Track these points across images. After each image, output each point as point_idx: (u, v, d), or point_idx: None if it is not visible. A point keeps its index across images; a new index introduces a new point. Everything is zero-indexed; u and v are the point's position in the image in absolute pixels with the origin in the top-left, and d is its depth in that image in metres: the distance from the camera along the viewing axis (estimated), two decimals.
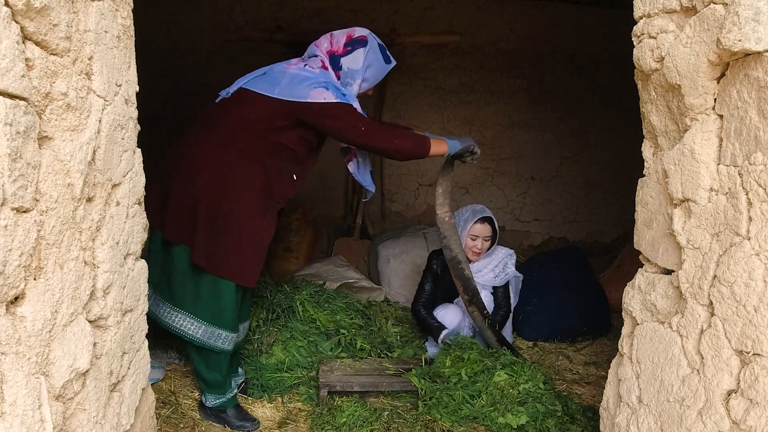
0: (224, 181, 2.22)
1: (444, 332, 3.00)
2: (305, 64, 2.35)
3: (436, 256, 3.26)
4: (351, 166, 2.59)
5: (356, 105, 2.33)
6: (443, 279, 3.17)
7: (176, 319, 2.35)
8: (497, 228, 3.16)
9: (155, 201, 2.27)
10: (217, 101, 2.40)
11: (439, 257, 3.20)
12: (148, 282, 2.38)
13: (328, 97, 2.23)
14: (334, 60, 2.37)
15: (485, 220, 3.09)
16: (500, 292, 3.19)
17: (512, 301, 3.27)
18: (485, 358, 2.69)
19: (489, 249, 3.17)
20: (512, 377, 2.58)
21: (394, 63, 2.48)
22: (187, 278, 2.29)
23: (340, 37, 2.40)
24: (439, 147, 2.50)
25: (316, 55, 2.39)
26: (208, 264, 2.22)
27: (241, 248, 2.24)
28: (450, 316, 3.09)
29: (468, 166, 5.31)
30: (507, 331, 3.27)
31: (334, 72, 2.36)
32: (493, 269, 3.18)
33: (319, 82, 2.25)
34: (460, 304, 3.11)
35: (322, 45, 2.41)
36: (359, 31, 2.42)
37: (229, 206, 2.21)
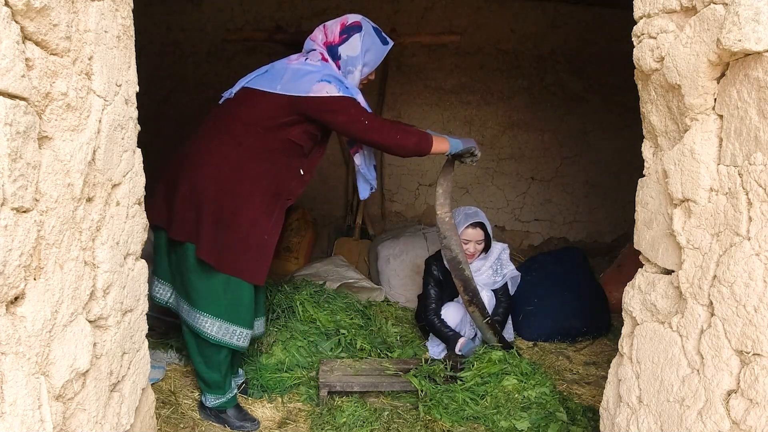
0: (231, 181, 2.22)
1: (461, 341, 2.96)
2: (306, 59, 2.35)
3: (434, 261, 3.25)
4: (357, 159, 2.57)
5: (360, 98, 2.33)
6: (446, 283, 3.15)
7: (194, 318, 2.34)
8: (490, 233, 3.15)
9: (161, 201, 2.27)
10: (220, 102, 2.40)
11: (438, 262, 3.20)
12: (166, 280, 2.40)
13: (331, 90, 2.22)
14: (332, 50, 2.37)
15: (477, 224, 3.09)
16: (499, 289, 3.22)
17: (510, 292, 3.30)
18: (507, 363, 2.69)
19: (484, 251, 3.16)
20: (520, 382, 2.59)
21: (391, 43, 2.48)
22: (200, 276, 2.28)
23: (334, 26, 2.40)
24: (441, 145, 2.48)
25: (314, 49, 2.38)
26: (216, 261, 2.22)
27: (248, 247, 2.24)
28: (452, 314, 3.11)
29: (468, 166, 5.33)
30: (508, 329, 3.28)
31: (334, 62, 2.36)
32: (491, 266, 3.21)
33: (321, 75, 2.25)
34: (460, 302, 3.13)
35: (318, 38, 2.41)
36: (352, 18, 2.42)
37: (235, 205, 2.21)
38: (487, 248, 3.17)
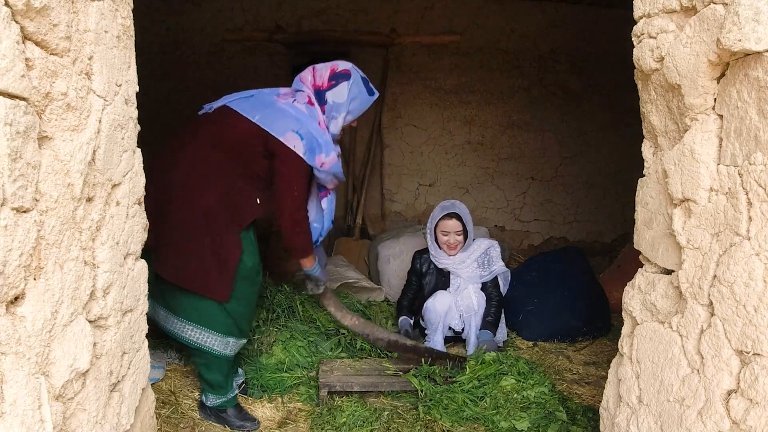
0: (193, 197, 2.24)
1: (401, 318, 3.22)
2: (294, 99, 2.39)
3: (419, 256, 3.41)
4: (324, 203, 2.64)
5: (330, 156, 2.37)
6: (430, 274, 3.34)
7: (172, 324, 2.40)
8: (465, 223, 3.21)
9: None
10: (200, 113, 2.43)
11: (423, 256, 3.37)
12: None
13: (298, 147, 2.28)
14: (320, 95, 2.43)
15: (453, 215, 3.16)
16: (489, 284, 3.26)
17: (501, 290, 3.37)
18: (502, 363, 2.70)
19: (465, 243, 3.23)
20: (519, 383, 2.59)
21: (376, 95, 2.55)
22: (168, 284, 2.31)
23: (324, 71, 2.45)
24: (308, 263, 2.61)
25: (303, 90, 2.43)
26: (176, 277, 2.24)
27: (207, 262, 2.26)
28: (440, 303, 3.16)
29: (470, 166, 5.35)
30: (501, 329, 3.29)
31: (319, 106, 2.41)
32: (476, 260, 3.23)
33: (300, 126, 2.30)
34: (450, 291, 3.21)
35: (307, 79, 2.46)
36: (342, 65, 2.48)
37: (197, 220, 2.23)
38: (465, 239, 3.24)
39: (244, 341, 2.50)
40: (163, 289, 2.34)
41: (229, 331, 2.37)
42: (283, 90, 2.46)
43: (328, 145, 2.38)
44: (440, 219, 3.19)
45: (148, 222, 1.63)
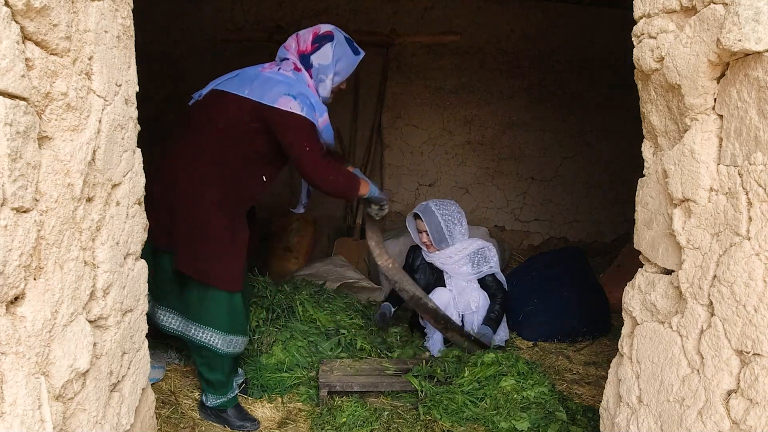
0: (199, 188, 2.24)
1: (383, 304, 3.29)
2: (279, 68, 2.37)
3: (412, 251, 3.51)
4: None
5: (323, 118, 2.35)
6: (419, 272, 3.41)
7: (174, 322, 2.41)
8: (426, 224, 3.26)
9: None
10: (190, 103, 2.43)
11: (416, 251, 3.46)
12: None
13: (294, 107, 2.24)
14: (305, 59, 2.40)
15: (418, 216, 3.31)
16: (489, 282, 3.28)
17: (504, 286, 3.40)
18: (502, 364, 2.70)
19: (435, 242, 3.27)
20: (519, 383, 2.59)
21: (362, 54, 2.52)
22: (175, 283, 2.32)
23: (307, 35, 2.43)
24: (364, 188, 2.59)
25: (287, 58, 2.41)
26: (195, 272, 2.24)
27: (221, 254, 2.26)
28: (437, 299, 3.18)
29: (470, 166, 5.35)
30: (503, 328, 3.29)
31: (306, 71, 2.39)
32: (467, 256, 3.26)
33: (290, 89, 2.27)
34: (450, 288, 3.26)
35: (291, 46, 2.44)
36: (324, 27, 2.45)
37: (204, 213, 2.23)
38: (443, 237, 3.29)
39: (246, 339, 2.49)
40: (167, 289, 2.35)
41: (232, 329, 2.37)
42: (266, 64, 2.43)
43: (320, 105, 2.35)
44: (412, 218, 3.36)
45: (148, 222, 1.64)
